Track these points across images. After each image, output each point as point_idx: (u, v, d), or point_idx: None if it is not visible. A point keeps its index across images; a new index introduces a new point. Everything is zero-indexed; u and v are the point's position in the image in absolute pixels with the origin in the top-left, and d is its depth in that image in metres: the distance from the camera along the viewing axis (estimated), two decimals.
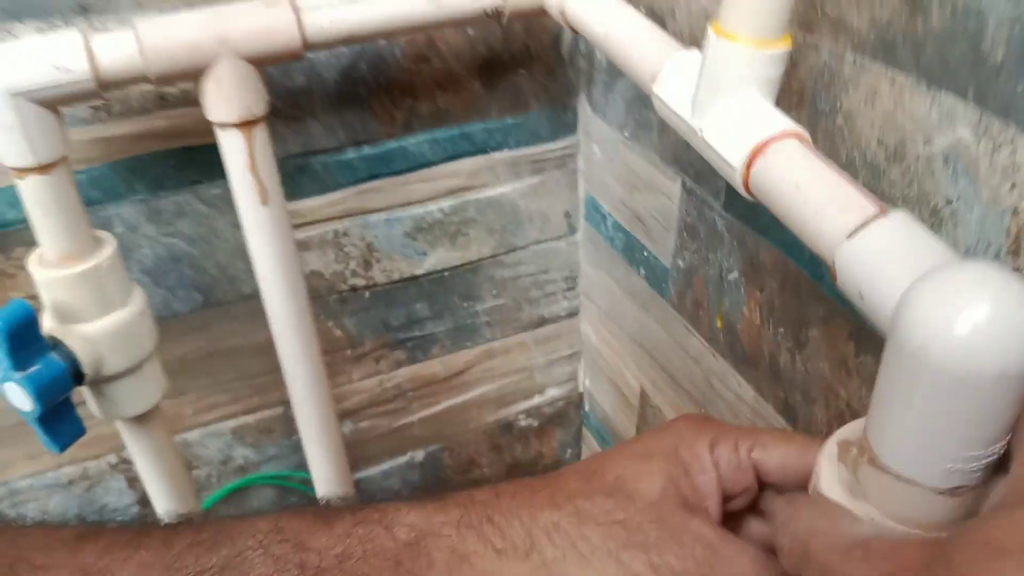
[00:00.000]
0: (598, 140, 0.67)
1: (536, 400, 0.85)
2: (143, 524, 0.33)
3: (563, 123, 0.68)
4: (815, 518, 0.31)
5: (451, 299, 0.74)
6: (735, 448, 0.36)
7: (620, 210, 0.66)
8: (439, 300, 0.73)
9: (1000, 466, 0.30)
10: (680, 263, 0.59)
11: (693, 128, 0.39)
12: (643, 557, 0.32)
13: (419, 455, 0.82)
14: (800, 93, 0.43)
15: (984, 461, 0.28)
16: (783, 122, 0.36)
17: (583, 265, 0.77)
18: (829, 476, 0.33)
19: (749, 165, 0.36)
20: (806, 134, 0.36)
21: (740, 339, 0.54)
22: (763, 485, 0.37)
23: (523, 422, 0.86)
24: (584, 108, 0.68)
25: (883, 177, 0.39)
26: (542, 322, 0.79)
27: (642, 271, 0.65)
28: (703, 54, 0.38)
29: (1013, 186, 0.33)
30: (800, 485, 0.35)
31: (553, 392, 0.85)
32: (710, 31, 0.37)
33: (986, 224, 0.34)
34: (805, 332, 0.48)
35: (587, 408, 0.87)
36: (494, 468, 0.88)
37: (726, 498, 0.36)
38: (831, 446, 0.34)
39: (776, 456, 0.36)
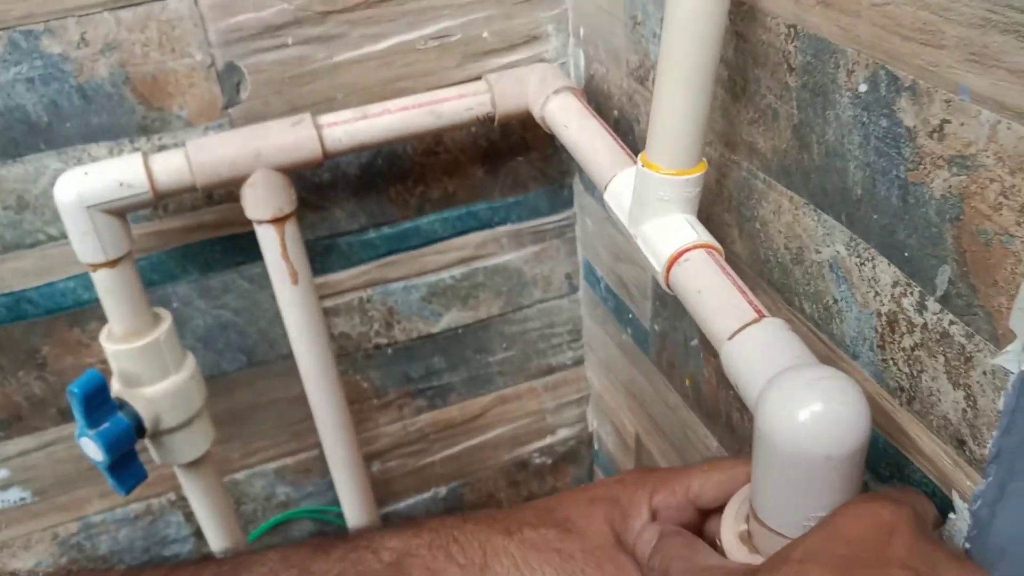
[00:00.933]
0: (590, 214, 0.75)
1: (549, 440, 0.93)
2: (174, 563, 0.42)
3: (560, 199, 0.77)
4: (680, 547, 0.40)
5: (465, 353, 0.82)
6: (672, 492, 0.44)
7: (610, 276, 0.75)
8: (454, 354, 0.82)
9: None
10: (656, 327, 0.67)
11: (630, 233, 0.48)
12: None
13: (442, 491, 0.91)
14: (730, 199, 0.51)
15: None
16: (693, 236, 0.44)
17: (585, 320, 0.85)
18: (727, 525, 0.41)
19: (668, 270, 0.44)
20: (716, 244, 0.45)
21: (705, 397, 0.62)
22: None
23: (537, 460, 0.94)
24: (578, 185, 0.76)
25: (790, 275, 0.47)
26: (550, 370, 0.88)
27: (629, 330, 0.73)
28: (636, 177, 0.46)
29: (876, 294, 0.40)
30: None
31: (564, 432, 0.93)
32: (639, 160, 0.45)
33: (861, 322, 0.42)
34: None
35: (596, 447, 0.95)
36: (512, 502, 0.96)
37: None
38: (737, 498, 0.42)
39: (708, 490, 0.44)
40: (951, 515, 0.38)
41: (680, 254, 0.44)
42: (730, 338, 0.39)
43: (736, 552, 0.39)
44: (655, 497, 0.44)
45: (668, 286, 0.45)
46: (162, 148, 0.62)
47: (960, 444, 0.37)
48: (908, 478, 0.41)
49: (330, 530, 0.47)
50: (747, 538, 0.40)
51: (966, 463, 0.37)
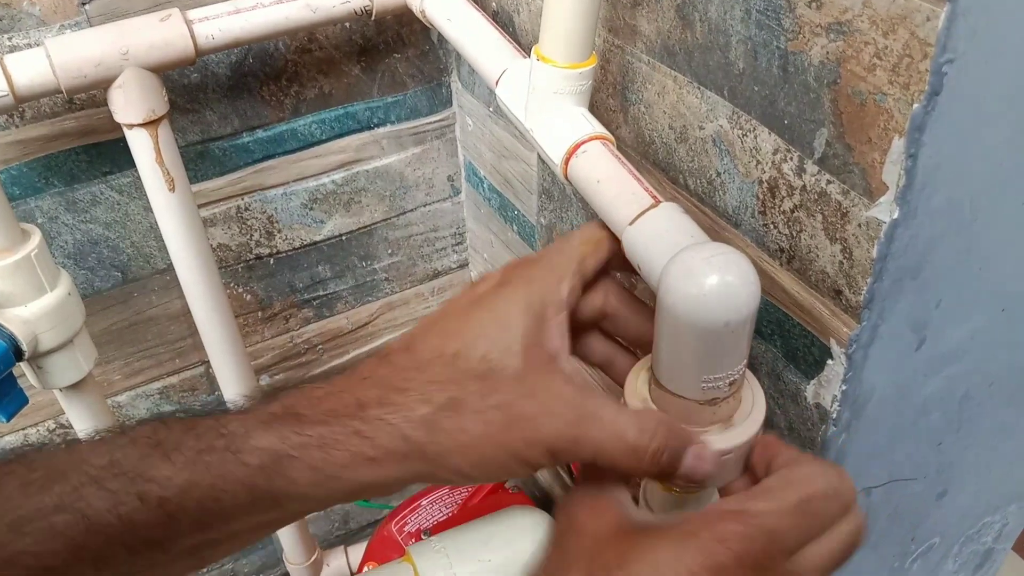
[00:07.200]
0: (470, 113, 0.75)
1: None
2: None
3: (439, 98, 0.77)
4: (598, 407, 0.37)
5: (350, 260, 0.82)
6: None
7: (493, 174, 0.76)
8: (340, 262, 0.81)
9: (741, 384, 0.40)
10: (542, 220, 0.69)
11: (526, 128, 0.48)
12: (519, 435, 0.34)
13: None
14: (614, 84, 0.52)
15: (728, 380, 0.39)
16: (589, 128, 0.45)
17: (468, 222, 0.86)
18: (630, 396, 0.43)
19: (566, 162, 0.45)
20: (608, 135, 0.46)
21: None
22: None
23: None
24: (456, 84, 0.76)
25: (674, 154, 0.49)
26: (436, 274, 0.88)
27: (515, 227, 0.75)
28: (530, 70, 0.47)
29: (758, 163, 0.43)
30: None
31: None
32: (533, 54, 0.46)
33: (743, 191, 0.45)
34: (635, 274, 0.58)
35: None
36: None
37: (575, 316, 0.41)
38: (637, 369, 0.45)
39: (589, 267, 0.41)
40: (829, 361, 0.42)
41: (577, 146, 0.45)
42: (631, 223, 0.41)
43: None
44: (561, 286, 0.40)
45: (566, 178, 0.46)
46: (14, 49, 0.57)
47: (837, 294, 0.41)
48: (788, 332, 0.45)
49: (173, 422, 0.35)
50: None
51: (843, 311, 0.41)
